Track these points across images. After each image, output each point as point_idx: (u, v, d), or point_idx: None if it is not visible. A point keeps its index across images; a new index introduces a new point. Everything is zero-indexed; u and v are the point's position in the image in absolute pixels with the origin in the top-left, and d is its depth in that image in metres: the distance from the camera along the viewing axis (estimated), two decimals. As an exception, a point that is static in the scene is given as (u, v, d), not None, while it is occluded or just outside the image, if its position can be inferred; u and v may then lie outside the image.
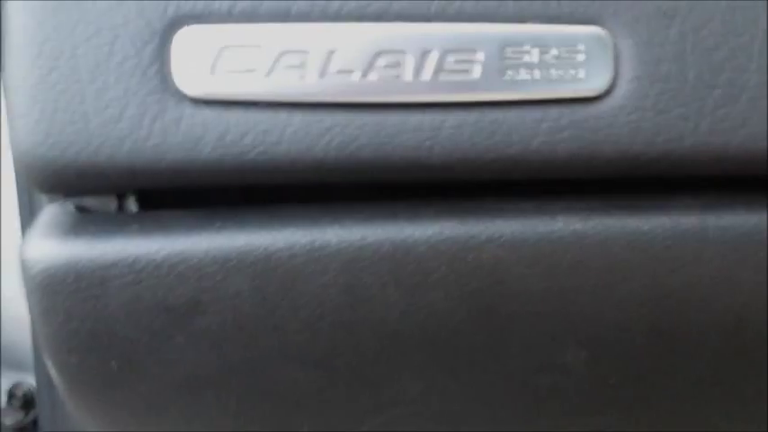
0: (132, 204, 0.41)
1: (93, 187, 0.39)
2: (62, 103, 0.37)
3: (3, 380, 0.88)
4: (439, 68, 0.38)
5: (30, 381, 0.87)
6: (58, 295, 0.38)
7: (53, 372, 0.41)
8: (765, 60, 0.41)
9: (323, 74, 0.38)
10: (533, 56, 0.39)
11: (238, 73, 0.37)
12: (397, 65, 0.38)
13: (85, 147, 0.37)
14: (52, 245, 0.38)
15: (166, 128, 0.37)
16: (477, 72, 0.39)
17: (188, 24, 0.37)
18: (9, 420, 0.85)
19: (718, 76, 0.40)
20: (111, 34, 0.37)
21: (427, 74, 0.39)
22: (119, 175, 0.38)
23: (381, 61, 0.38)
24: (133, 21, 0.37)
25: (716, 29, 0.40)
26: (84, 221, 0.40)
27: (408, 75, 0.38)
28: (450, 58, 0.38)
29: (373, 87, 0.38)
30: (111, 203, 0.41)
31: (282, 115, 0.38)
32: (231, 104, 0.38)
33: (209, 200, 0.42)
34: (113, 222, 0.40)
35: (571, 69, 0.39)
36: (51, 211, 0.40)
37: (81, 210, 0.41)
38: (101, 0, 0.36)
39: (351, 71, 0.38)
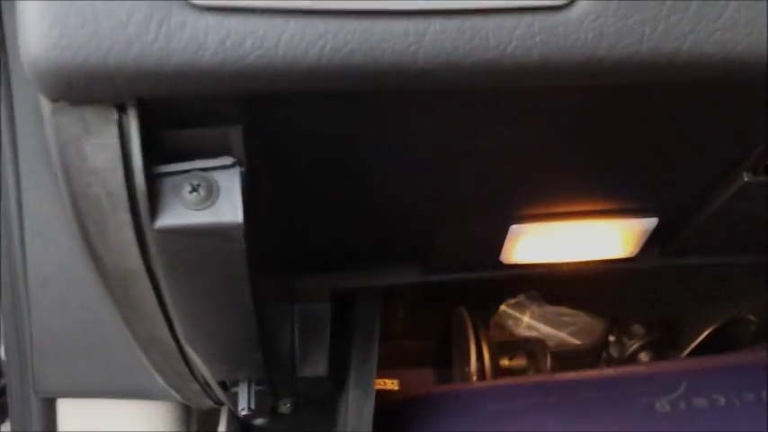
0: (133, 116, 0.43)
1: (99, 93, 0.41)
2: (73, 9, 0.38)
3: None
4: (422, -23, 0.42)
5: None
6: None
7: None
8: None
9: (316, -19, 0.41)
10: (507, -34, 0.43)
11: (238, -20, 0.40)
12: (383, -27, 0.41)
13: (96, 49, 0.39)
14: None
15: (171, 33, 0.40)
16: (456, -19, 0.42)
17: (191, -66, 0.39)
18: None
19: None
20: None
21: (411, -18, 0.42)
22: (126, 79, 0.40)
23: (369, -30, 0.41)
24: None
25: None
26: None
27: (394, -17, 0.42)
28: (433, -32, 0.42)
29: (362, -5, 0.41)
30: (112, 115, 0.43)
31: (279, 21, 0.41)
32: (231, 11, 0.40)
33: None
34: None
35: (540, -21, 0.43)
36: None
37: None
38: None
39: (341, -21, 0.41)
